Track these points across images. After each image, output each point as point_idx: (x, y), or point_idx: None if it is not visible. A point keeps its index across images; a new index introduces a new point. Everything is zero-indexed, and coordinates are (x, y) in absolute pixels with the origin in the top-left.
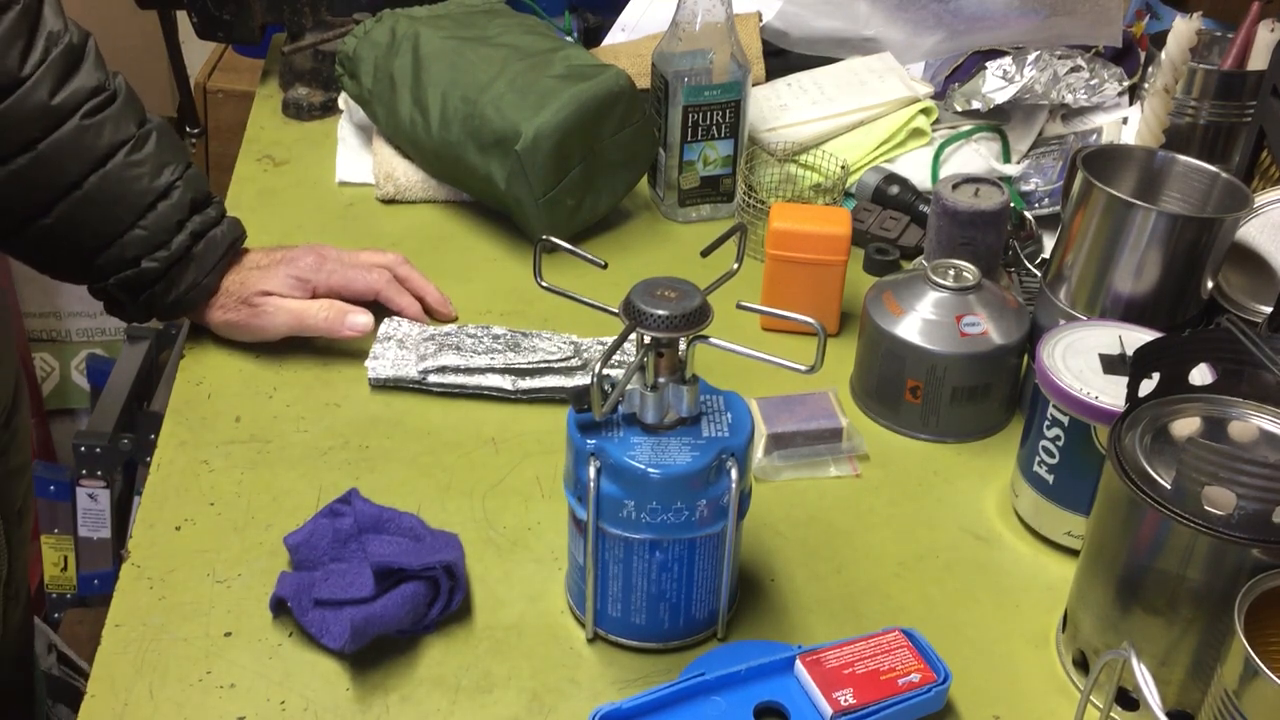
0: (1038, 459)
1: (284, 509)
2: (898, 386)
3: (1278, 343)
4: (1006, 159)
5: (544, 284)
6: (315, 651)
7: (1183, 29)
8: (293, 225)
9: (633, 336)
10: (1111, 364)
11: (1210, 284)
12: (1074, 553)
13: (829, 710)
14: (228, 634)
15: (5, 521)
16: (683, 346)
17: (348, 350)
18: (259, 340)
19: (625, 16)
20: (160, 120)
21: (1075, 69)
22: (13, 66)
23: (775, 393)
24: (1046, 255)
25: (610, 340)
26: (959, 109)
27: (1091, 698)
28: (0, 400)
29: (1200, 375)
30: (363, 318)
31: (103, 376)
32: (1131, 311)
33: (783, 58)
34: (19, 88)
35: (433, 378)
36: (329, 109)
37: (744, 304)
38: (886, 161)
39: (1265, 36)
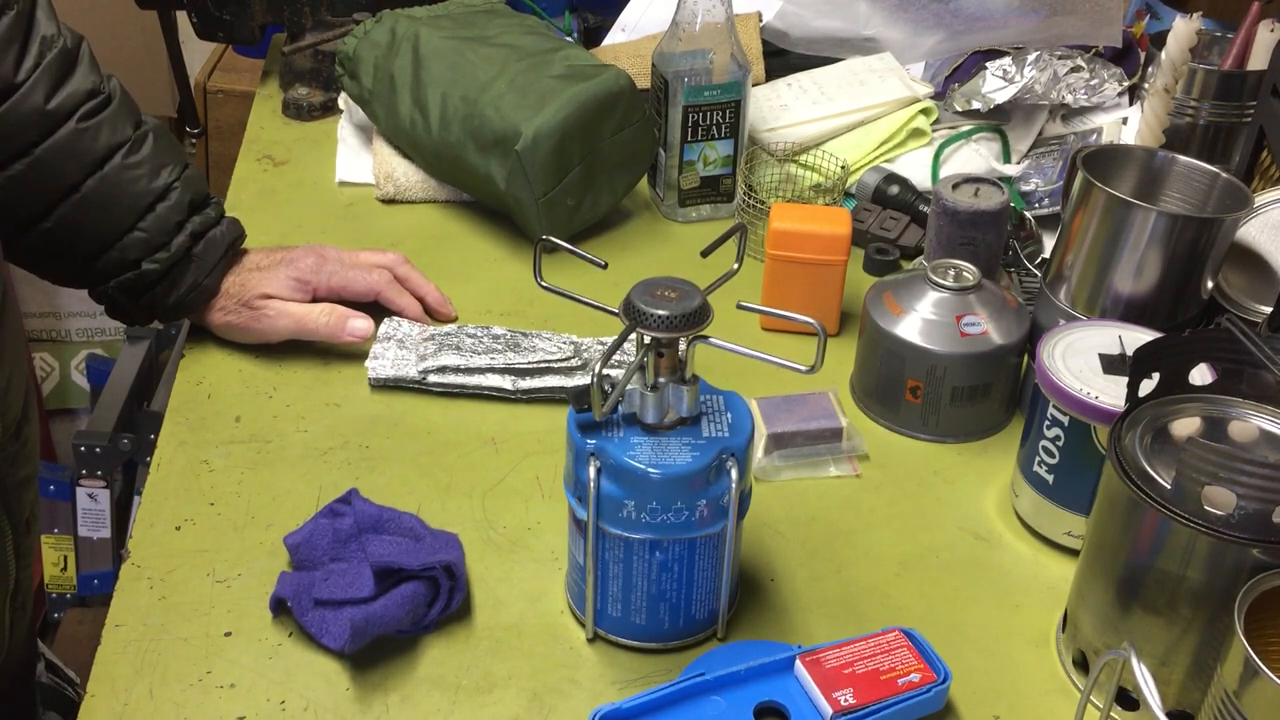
0: (1038, 459)
1: (284, 509)
2: (898, 386)
3: (1278, 343)
4: (1006, 159)
5: (544, 284)
6: (315, 651)
7: (1183, 29)
8: (293, 225)
9: (633, 336)
10: (1111, 364)
11: (1210, 284)
12: (1074, 553)
13: (829, 710)
14: (228, 634)
15: (14, 531)
16: (683, 346)
17: (348, 350)
18: (259, 342)
19: (625, 16)
20: (157, 122)
21: (1075, 69)
22: (7, 72)
23: (775, 393)
24: (1046, 255)
25: (610, 340)
26: (959, 109)
27: (1091, 698)
28: (11, 411)
29: (1200, 375)
30: (363, 323)
31: (103, 376)
32: (1131, 311)
33: (783, 58)
34: (14, 93)
35: (433, 378)
36: (329, 109)
37: (744, 304)
38: (886, 161)
39: (1265, 36)
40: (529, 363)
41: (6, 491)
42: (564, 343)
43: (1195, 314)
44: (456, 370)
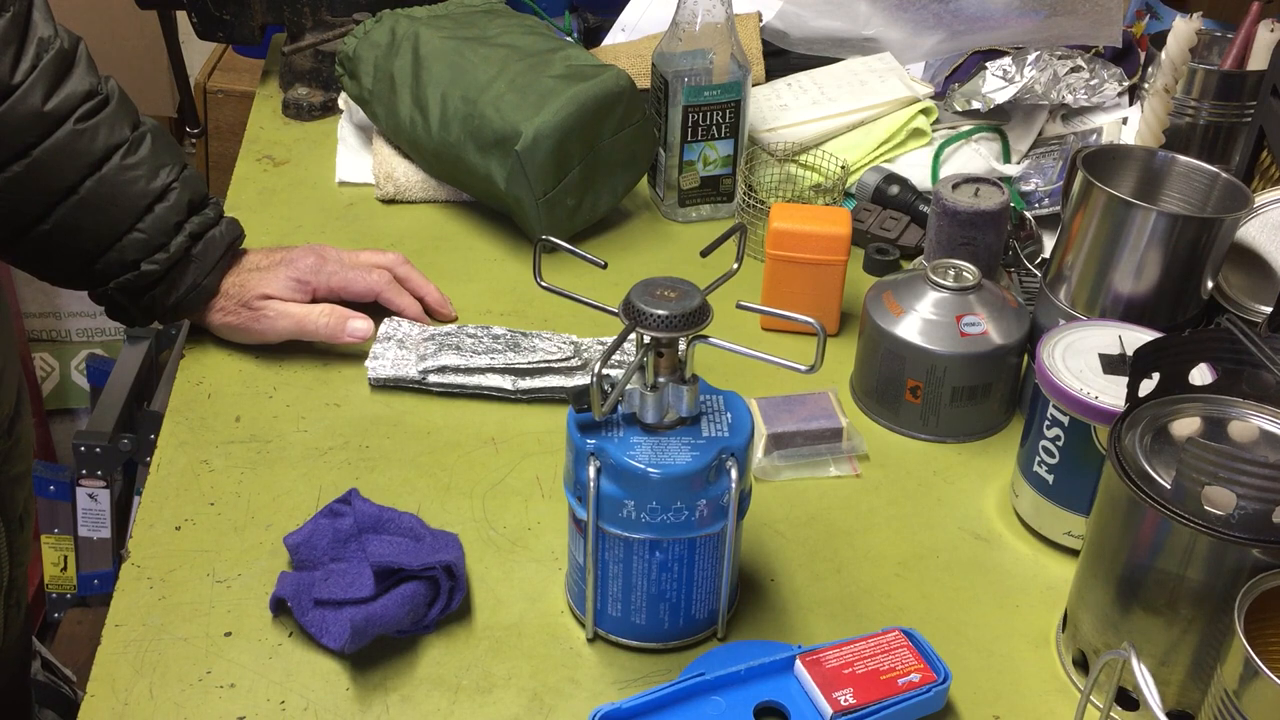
0: (1038, 459)
1: (284, 509)
2: (898, 386)
3: (1278, 343)
4: (1006, 159)
5: (544, 284)
6: (315, 651)
7: (1183, 29)
8: (293, 225)
9: (633, 336)
10: (1111, 364)
11: (1210, 284)
12: (1074, 553)
13: (829, 710)
14: (228, 634)
15: (7, 528)
16: (683, 346)
17: (348, 350)
18: (259, 343)
19: (625, 16)
20: (154, 123)
21: (1075, 69)
22: (4, 73)
23: (775, 393)
24: (1046, 255)
25: (610, 340)
26: (959, 109)
27: (1091, 698)
28: (4, 408)
29: (1200, 375)
30: (363, 324)
31: (103, 376)
32: (1131, 311)
33: (783, 58)
34: (11, 95)
35: (433, 378)
36: (329, 109)
37: (744, 304)
38: (886, 161)
39: (1265, 36)
40: (529, 363)
41: (0, 488)
42: (564, 343)
43: (1195, 314)
44: (456, 370)
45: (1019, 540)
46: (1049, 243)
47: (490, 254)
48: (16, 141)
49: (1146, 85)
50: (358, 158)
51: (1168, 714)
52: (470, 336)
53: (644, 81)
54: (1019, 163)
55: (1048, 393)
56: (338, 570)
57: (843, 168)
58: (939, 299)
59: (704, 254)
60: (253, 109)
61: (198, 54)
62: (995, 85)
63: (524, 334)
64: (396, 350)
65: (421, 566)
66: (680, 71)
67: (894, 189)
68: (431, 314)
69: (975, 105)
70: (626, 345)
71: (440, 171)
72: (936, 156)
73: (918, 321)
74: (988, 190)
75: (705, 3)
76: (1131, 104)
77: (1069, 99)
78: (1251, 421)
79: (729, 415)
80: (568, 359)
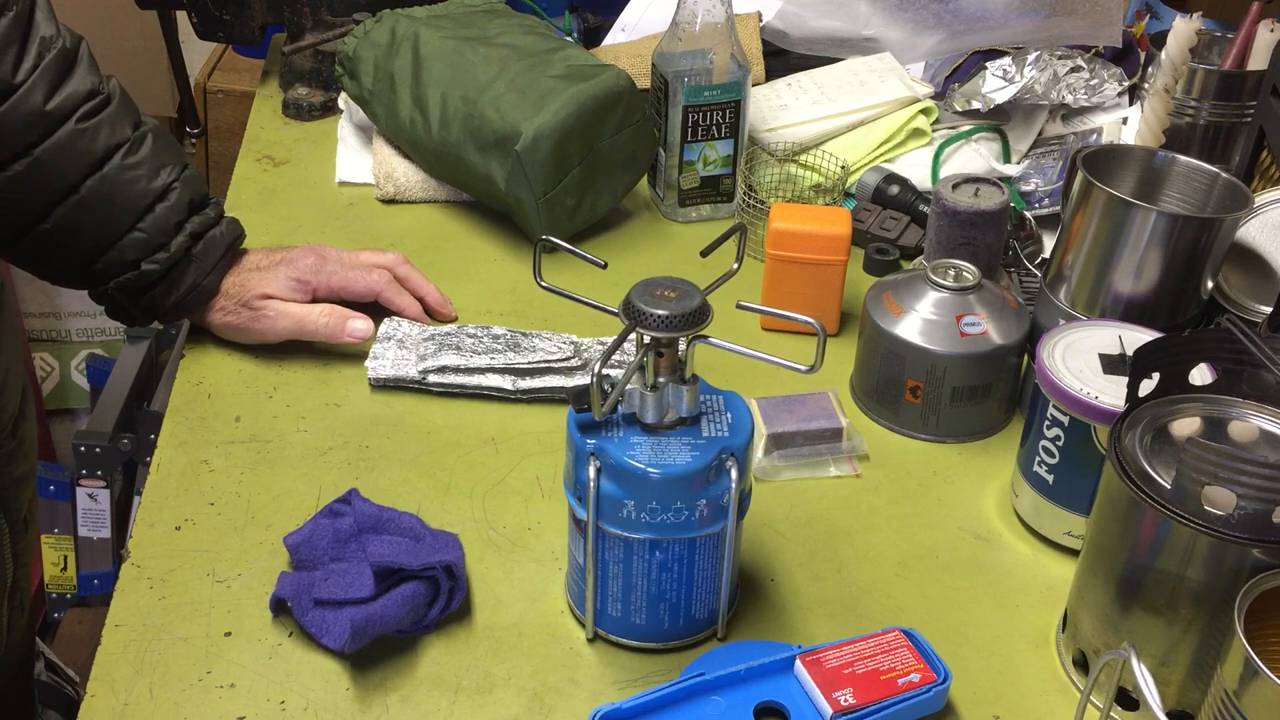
0: (1038, 459)
1: (284, 509)
2: (898, 386)
3: (1278, 343)
4: (1006, 159)
5: (544, 284)
6: (315, 651)
7: (1183, 29)
8: (293, 225)
9: (633, 336)
10: (1111, 364)
11: (1210, 284)
12: (1074, 553)
13: (829, 710)
14: (228, 634)
15: (11, 529)
16: (682, 346)
17: (348, 350)
18: (259, 343)
19: (625, 16)
20: (155, 123)
21: (1075, 69)
22: (6, 73)
23: (775, 393)
24: (1046, 255)
25: (610, 340)
26: (959, 109)
27: (1091, 698)
28: (8, 410)
29: (1200, 375)
30: (363, 324)
31: (103, 376)
32: (1131, 311)
33: (783, 58)
34: (13, 94)
35: (433, 378)
36: (329, 109)
37: (744, 304)
38: (886, 161)
39: (1265, 36)
40: (529, 363)
41: (3, 490)
42: (564, 343)
43: (1195, 314)
44: (456, 370)
45: (1019, 540)
46: (1049, 243)
47: (490, 254)
48: (17, 141)
49: (1146, 85)
50: (358, 158)
51: (1168, 714)
52: (470, 336)
53: (644, 81)
54: (1019, 163)
55: (1048, 393)
56: (338, 570)
57: (843, 168)
58: (939, 299)
59: (704, 254)
60: (253, 109)
61: (198, 54)
62: (995, 85)
63: (524, 334)
64: (396, 350)
65: (421, 566)
66: (680, 71)
67: (894, 189)
68: (431, 314)
69: (975, 105)
70: (626, 345)
71: (440, 171)
72: (936, 156)
73: (918, 321)
74: (988, 190)
75: (705, 3)
76: (1131, 104)
77: (1069, 99)
78: (1251, 421)
79: (729, 415)
80: (568, 359)
